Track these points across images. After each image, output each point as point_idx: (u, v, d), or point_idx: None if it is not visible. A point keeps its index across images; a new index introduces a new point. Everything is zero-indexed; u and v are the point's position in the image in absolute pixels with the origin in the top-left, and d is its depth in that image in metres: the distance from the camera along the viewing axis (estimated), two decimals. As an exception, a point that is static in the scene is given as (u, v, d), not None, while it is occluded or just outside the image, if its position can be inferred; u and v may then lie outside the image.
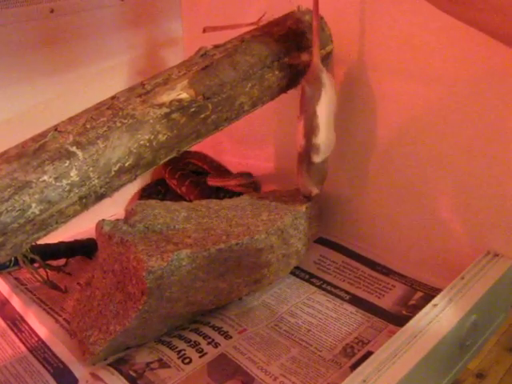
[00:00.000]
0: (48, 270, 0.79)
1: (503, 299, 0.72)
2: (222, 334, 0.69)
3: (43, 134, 0.55)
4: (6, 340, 0.70)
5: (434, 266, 0.76)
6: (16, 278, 0.81)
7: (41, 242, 0.58)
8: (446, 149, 0.71)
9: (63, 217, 0.54)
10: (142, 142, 0.58)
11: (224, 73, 0.65)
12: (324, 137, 0.69)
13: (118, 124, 0.57)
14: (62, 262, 0.84)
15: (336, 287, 0.78)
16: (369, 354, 0.63)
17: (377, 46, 0.73)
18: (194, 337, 0.69)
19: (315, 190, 0.76)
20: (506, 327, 1.38)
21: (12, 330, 0.72)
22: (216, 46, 0.68)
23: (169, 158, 0.63)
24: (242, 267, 0.68)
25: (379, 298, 0.75)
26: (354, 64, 0.76)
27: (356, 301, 0.75)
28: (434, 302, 0.62)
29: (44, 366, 0.66)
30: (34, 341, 0.69)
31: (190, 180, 0.97)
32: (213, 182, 0.96)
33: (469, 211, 0.71)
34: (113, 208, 0.99)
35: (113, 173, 0.56)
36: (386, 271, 0.80)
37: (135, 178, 0.60)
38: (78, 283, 0.80)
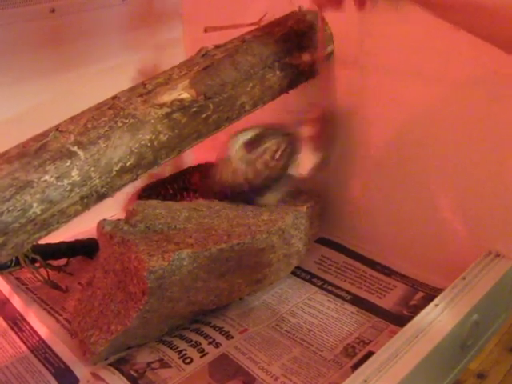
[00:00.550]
0: (49, 270, 0.79)
1: (504, 299, 0.72)
2: (223, 334, 0.69)
3: (44, 134, 0.55)
4: (7, 340, 0.70)
5: (435, 266, 0.76)
6: (17, 278, 0.81)
7: (42, 241, 0.58)
8: (447, 149, 0.71)
9: (64, 216, 0.54)
10: (143, 142, 0.58)
11: (225, 73, 0.65)
12: None
13: (120, 124, 0.57)
14: (63, 261, 0.83)
15: (337, 287, 0.78)
16: (370, 354, 0.63)
17: (377, 46, 0.73)
18: (194, 337, 0.69)
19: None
20: (507, 327, 1.38)
21: (13, 329, 0.72)
22: (217, 46, 0.68)
23: (170, 158, 0.63)
24: (243, 267, 0.68)
25: (380, 298, 0.75)
26: (355, 64, 0.76)
27: (357, 301, 0.75)
28: (435, 302, 0.62)
29: (45, 365, 0.66)
30: (34, 340, 0.69)
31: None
32: None
33: (470, 211, 0.71)
34: (114, 208, 0.99)
35: (114, 172, 0.56)
36: (387, 271, 0.80)
37: (136, 178, 0.60)
38: (79, 283, 0.80)
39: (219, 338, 0.69)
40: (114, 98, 0.60)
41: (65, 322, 0.72)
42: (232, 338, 0.69)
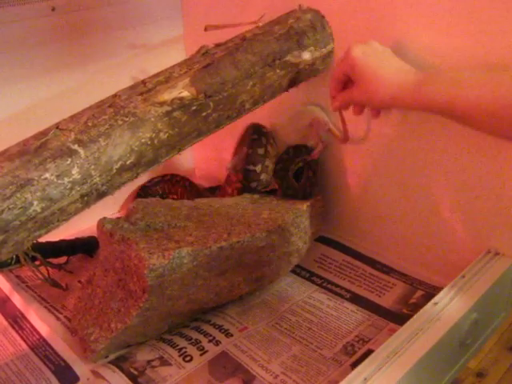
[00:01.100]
0: (49, 268, 0.79)
1: (504, 298, 0.72)
2: (222, 332, 0.69)
3: (45, 132, 0.55)
4: (8, 337, 0.70)
5: (435, 265, 0.77)
6: (17, 276, 0.82)
7: (42, 239, 0.58)
8: (447, 148, 0.71)
9: (65, 214, 0.54)
10: (143, 140, 0.58)
11: (225, 71, 0.65)
12: None
13: (120, 122, 0.57)
14: (63, 259, 0.84)
15: (337, 286, 0.78)
16: (369, 352, 0.63)
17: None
18: (194, 335, 0.69)
19: None
20: (507, 326, 1.38)
21: (13, 327, 0.72)
22: (217, 45, 0.68)
23: (170, 156, 0.63)
24: (243, 265, 0.68)
25: (380, 296, 0.75)
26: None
27: (357, 299, 0.75)
28: (434, 300, 0.62)
29: (45, 363, 0.66)
30: (35, 338, 0.70)
31: None
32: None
33: (469, 210, 0.71)
34: (115, 206, 0.99)
35: (114, 171, 0.56)
36: (387, 270, 0.81)
37: (136, 176, 0.60)
38: (79, 281, 0.80)
39: (219, 336, 0.69)
40: (114, 96, 0.60)
41: (65, 320, 0.72)
42: (232, 335, 0.69)
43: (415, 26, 0.68)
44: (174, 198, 0.99)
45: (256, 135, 0.83)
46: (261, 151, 0.82)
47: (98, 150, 0.55)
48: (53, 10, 0.82)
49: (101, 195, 0.57)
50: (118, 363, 0.65)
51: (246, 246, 0.66)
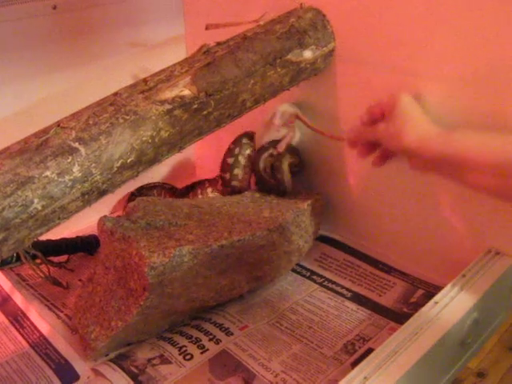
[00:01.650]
0: (50, 266, 0.79)
1: (504, 297, 0.72)
2: (223, 331, 0.69)
3: (46, 130, 0.55)
4: (8, 336, 0.70)
5: (436, 264, 0.77)
6: (18, 274, 0.82)
7: (43, 237, 0.58)
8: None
9: (65, 213, 0.54)
10: (144, 139, 0.58)
11: (226, 70, 0.65)
12: None
13: (121, 120, 0.57)
14: (63, 258, 0.84)
15: (337, 284, 0.78)
16: (370, 351, 0.63)
17: (379, 43, 0.73)
18: (195, 333, 0.69)
19: None
20: (507, 326, 1.38)
21: (14, 325, 0.72)
22: (218, 43, 0.68)
23: (171, 154, 0.63)
24: (244, 264, 0.68)
25: (380, 295, 0.75)
26: (357, 61, 0.76)
27: (357, 298, 0.75)
28: (435, 299, 0.62)
29: (46, 361, 0.66)
30: (35, 336, 0.70)
31: None
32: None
33: (470, 209, 0.71)
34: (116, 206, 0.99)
35: (115, 169, 0.56)
36: (388, 269, 0.81)
37: (137, 175, 0.60)
38: (79, 279, 0.80)
39: (219, 335, 0.69)
40: (115, 94, 0.60)
41: (65, 318, 0.72)
42: (232, 334, 0.69)
43: (415, 25, 0.68)
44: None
45: (233, 144, 0.87)
46: (230, 161, 0.86)
47: (99, 148, 0.55)
48: (54, 8, 0.82)
49: (101, 193, 0.57)
50: (119, 361, 0.65)
51: (247, 245, 0.66)
